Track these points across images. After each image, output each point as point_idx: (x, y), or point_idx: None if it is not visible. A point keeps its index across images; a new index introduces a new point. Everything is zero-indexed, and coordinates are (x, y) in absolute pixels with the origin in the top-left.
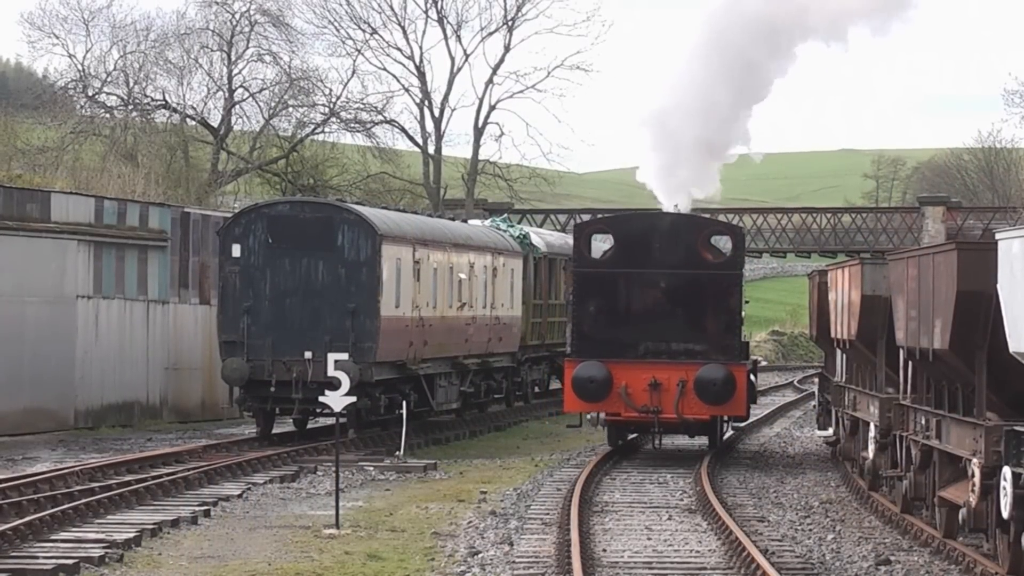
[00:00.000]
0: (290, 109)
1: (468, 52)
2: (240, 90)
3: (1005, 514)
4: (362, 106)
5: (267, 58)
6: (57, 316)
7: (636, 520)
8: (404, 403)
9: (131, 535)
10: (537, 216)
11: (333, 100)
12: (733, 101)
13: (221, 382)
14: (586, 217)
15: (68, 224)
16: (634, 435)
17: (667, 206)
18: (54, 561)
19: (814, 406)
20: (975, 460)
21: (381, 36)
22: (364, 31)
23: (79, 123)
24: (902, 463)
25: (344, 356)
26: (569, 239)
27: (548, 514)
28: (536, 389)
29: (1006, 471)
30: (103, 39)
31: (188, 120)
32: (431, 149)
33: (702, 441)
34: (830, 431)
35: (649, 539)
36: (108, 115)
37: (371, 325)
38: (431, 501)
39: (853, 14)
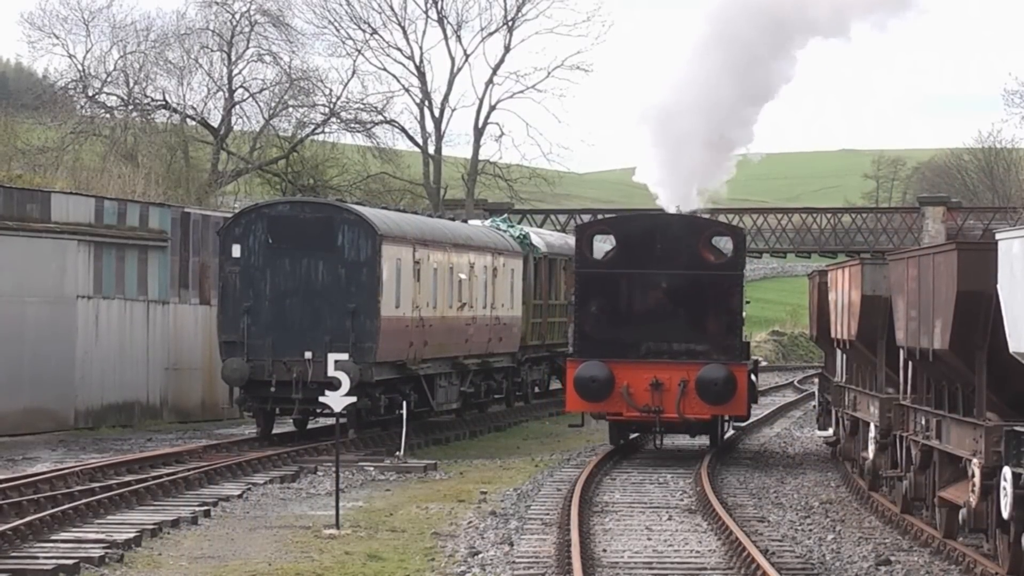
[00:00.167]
0: (290, 109)
1: (468, 52)
2: (240, 90)
3: (1005, 514)
4: (362, 106)
5: (267, 58)
6: (57, 316)
7: (636, 520)
8: (404, 403)
9: (131, 535)
10: (537, 216)
11: (333, 100)
12: (738, 97)
13: (221, 382)
14: (586, 217)
15: (68, 224)
16: (636, 434)
17: (667, 206)
18: (54, 561)
19: (814, 406)
20: (975, 460)
21: (381, 36)
22: (364, 31)
23: (79, 123)
24: (902, 463)
25: (344, 356)
26: (569, 239)
27: (548, 514)
28: (536, 389)
29: (1006, 471)
30: (103, 39)
31: (188, 120)
32: (431, 149)
33: (702, 441)
34: (830, 431)
35: (649, 539)
36: (108, 115)
37: (371, 325)
38: (431, 501)
39: (856, 7)
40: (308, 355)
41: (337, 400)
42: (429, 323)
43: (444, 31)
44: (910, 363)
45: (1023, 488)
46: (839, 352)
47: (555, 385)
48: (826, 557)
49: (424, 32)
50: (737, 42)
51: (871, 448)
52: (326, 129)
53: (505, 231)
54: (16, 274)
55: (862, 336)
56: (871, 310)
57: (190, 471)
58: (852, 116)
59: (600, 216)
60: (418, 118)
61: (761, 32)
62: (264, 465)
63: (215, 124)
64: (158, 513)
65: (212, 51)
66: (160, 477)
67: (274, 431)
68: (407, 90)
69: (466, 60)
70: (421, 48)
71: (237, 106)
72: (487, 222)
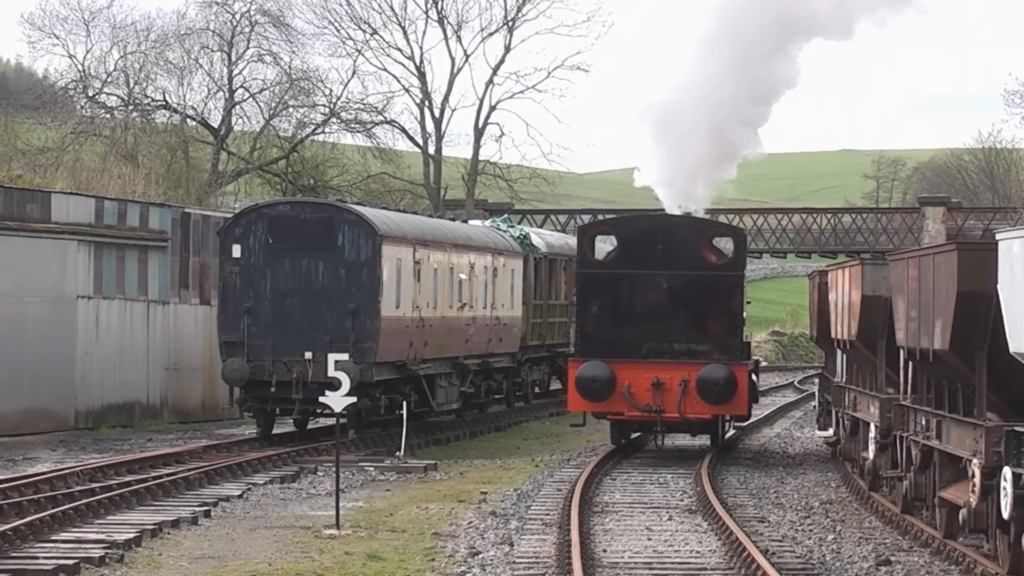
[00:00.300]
0: (290, 109)
1: (468, 52)
2: (240, 90)
3: (1005, 514)
4: (362, 106)
5: (267, 58)
6: (57, 316)
7: (636, 520)
8: (404, 403)
9: (131, 535)
10: (537, 216)
11: (333, 100)
12: (741, 95)
13: (221, 382)
14: (586, 218)
15: (68, 224)
16: (637, 434)
17: (669, 206)
18: (54, 561)
19: (814, 406)
20: (975, 460)
21: (381, 36)
22: (364, 31)
23: (79, 123)
24: (902, 463)
25: (344, 356)
26: (569, 239)
27: (548, 514)
28: (536, 389)
29: (1006, 471)
30: (103, 39)
31: (188, 120)
32: (431, 149)
33: (703, 441)
34: (830, 431)
35: (649, 539)
36: (108, 115)
37: (371, 325)
38: (431, 501)
39: (859, 4)
40: (308, 355)
41: (337, 400)
42: (429, 323)
43: (444, 31)
44: (910, 363)
45: (1023, 488)
46: (839, 352)
47: (555, 385)
48: (826, 557)
49: (424, 32)
50: (741, 38)
51: (871, 448)
52: (326, 129)
53: (505, 231)
54: (16, 274)
55: (862, 336)
56: (871, 310)
57: (190, 471)
58: (852, 116)
59: (601, 216)
60: (418, 118)
61: (765, 30)
62: (264, 465)
63: (215, 124)
64: (158, 513)
65: (212, 51)
66: (160, 477)
67: (274, 431)
68: (407, 90)
69: (466, 60)
70: (421, 48)
71: (237, 106)
72: (487, 222)
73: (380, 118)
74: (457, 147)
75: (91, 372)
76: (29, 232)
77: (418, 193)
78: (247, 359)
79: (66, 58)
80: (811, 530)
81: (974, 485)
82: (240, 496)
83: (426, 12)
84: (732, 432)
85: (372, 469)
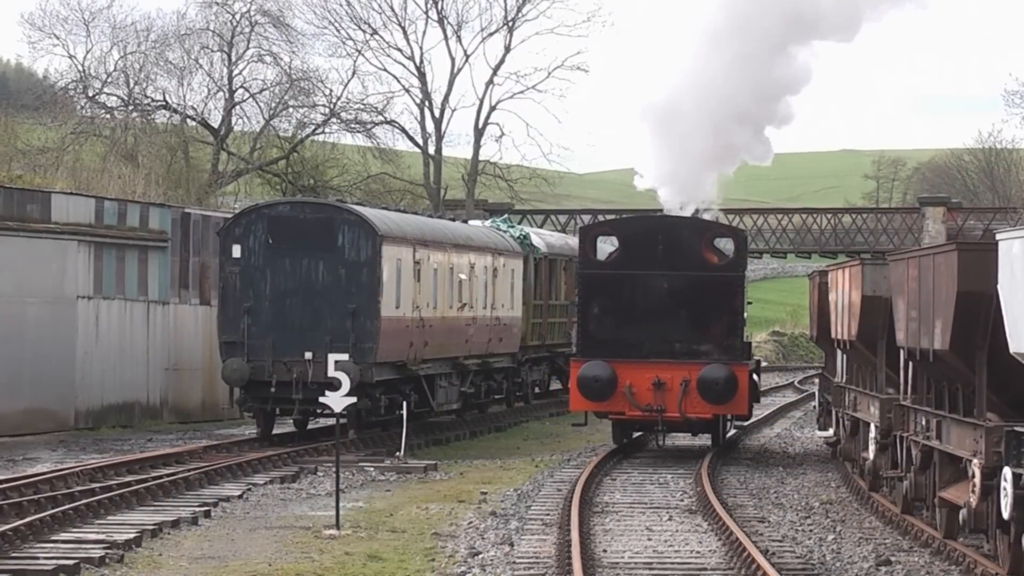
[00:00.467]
0: (290, 110)
1: (468, 53)
2: (240, 91)
3: (1005, 515)
4: (362, 107)
5: (267, 59)
6: (57, 317)
7: (637, 521)
8: (404, 404)
9: (131, 536)
10: (537, 217)
11: (333, 101)
12: (744, 93)
13: (221, 383)
14: (586, 218)
15: (68, 224)
16: (639, 433)
17: (669, 205)
18: (54, 562)
19: (814, 407)
20: (975, 461)
21: (381, 37)
22: (364, 32)
23: (79, 124)
24: (902, 464)
25: (344, 357)
26: (569, 240)
27: (548, 515)
28: (536, 390)
29: (1006, 472)
30: (103, 40)
31: (188, 121)
32: (431, 150)
33: (704, 441)
34: (830, 431)
35: (650, 540)
36: (108, 116)
37: (371, 326)
38: (431, 502)
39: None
40: (308, 355)
41: (337, 400)
42: (429, 323)
43: (444, 31)
44: (910, 363)
45: (1023, 488)
46: (839, 352)
47: (555, 386)
48: (826, 557)
49: (424, 32)
50: (747, 34)
51: (871, 448)
52: (326, 129)
53: (505, 231)
54: (16, 274)
55: (862, 336)
56: (871, 310)
57: (190, 471)
58: (852, 116)
59: (601, 217)
60: (418, 118)
61: (770, 29)
62: (264, 465)
63: (215, 124)
64: (158, 513)
65: (212, 51)
66: (160, 477)
67: (274, 431)
68: (407, 90)
69: (466, 60)
70: (421, 48)
71: (237, 106)
72: (487, 222)
73: (380, 118)
74: (457, 147)
75: (91, 372)
76: (29, 232)
77: (418, 193)
78: (247, 359)
79: (66, 58)
80: (811, 530)
81: (974, 485)
82: (240, 496)
83: (426, 12)
84: (733, 432)
85: (372, 469)
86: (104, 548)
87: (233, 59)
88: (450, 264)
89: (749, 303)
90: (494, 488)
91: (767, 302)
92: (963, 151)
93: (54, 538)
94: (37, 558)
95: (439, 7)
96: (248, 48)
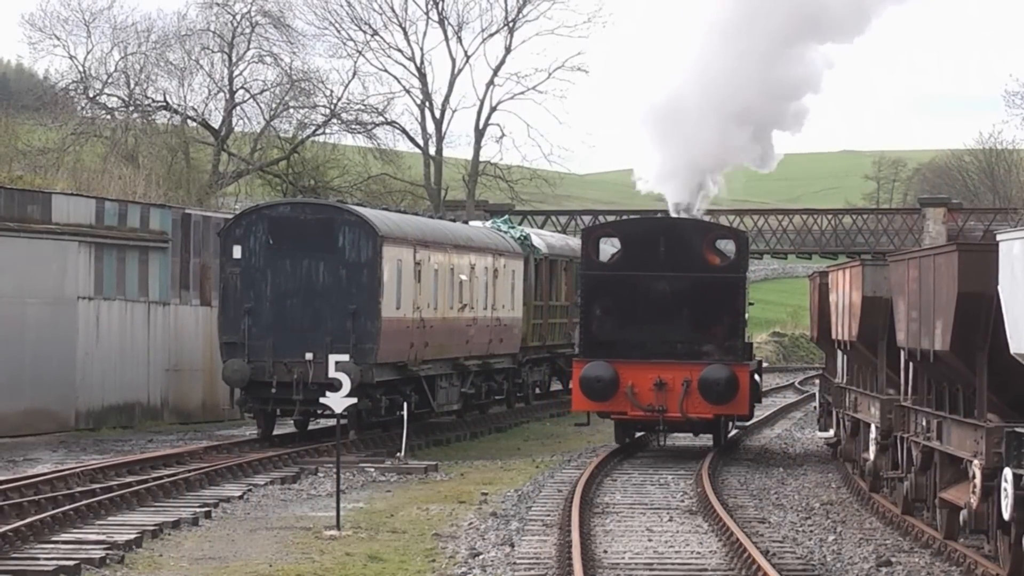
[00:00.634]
0: (291, 110)
1: (469, 53)
2: (241, 91)
3: (1006, 516)
4: (363, 107)
5: (268, 59)
6: (58, 317)
7: (637, 521)
8: (405, 404)
9: (132, 536)
10: (538, 217)
11: (334, 101)
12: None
13: (222, 383)
14: (587, 218)
15: (69, 225)
16: (640, 433)
17: (670, 204)
18: (55, 562)
19: (815, 407)
20: (976, 461)
21: (382, 37)
22: (365, 32)
23: (80, 124)
24: (903, 464)
25: (345, 357)
26: (570, 240)
27: (549, 515)
28: (537, 390)
29: (1007, 472)
30: (104, 40)
31: (189, 121)
32: (432, 150)
33: (704, 441)
34: (831, 432)
35: (650, 540)
36: (109, 116)
37: (372, 326)
38: (432, 502)
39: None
40: (309, 356)
41: (338, 401)
42: (430, 324)
43: (445, 32)
44: (911, 364)
45: (1023, 489)
46: (840, 353)
47: (556, 386)
48: (827, 558)
49: (425, 33)
50: (752, 30)
51: (872, 449)
52: (327, 130)
53: (506, 232)
54: (17, 275)
55: (863, 337)
56: (872, 311)
57: (191, 472)
58: (853, 117)
59: (602, 217)
60: (419, 119)
61: (776, 27)
62: (265, 466)
63: (216, 125)
64: (159, 514)
65: (213, 52)
66: (161, 478)
67: (275, 432)
68: (408, 91)
69: (467, 61)
70: (422, 49)
71: (238, 107)
72: (488, 223)
73: (381, 119)
74: (458, 148)
75: (92, 373)
76: (30, 233)
77: (419, 194)
78: (248, 360)
79: (67, 59)
80: (812, 531)
81: (975, 486)
82: (241, 497)
83: (427, 13)
84: (735, 432)
85: (373, 470)
86: (105, 549)
87: (234, 60)
88: (451, 265)
89: (750, 304)
90: (495, 489)
91: (768, 303)
92: (964, 152)
93: (55, 539)
94: (37, 559)
95: (440, 8)
96: (249, 49)
